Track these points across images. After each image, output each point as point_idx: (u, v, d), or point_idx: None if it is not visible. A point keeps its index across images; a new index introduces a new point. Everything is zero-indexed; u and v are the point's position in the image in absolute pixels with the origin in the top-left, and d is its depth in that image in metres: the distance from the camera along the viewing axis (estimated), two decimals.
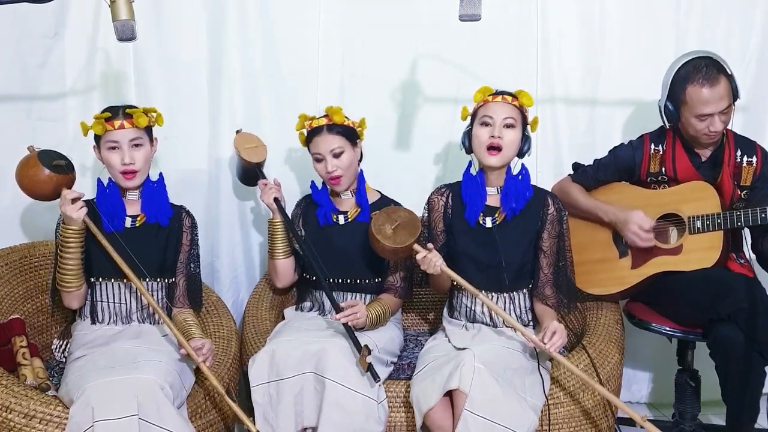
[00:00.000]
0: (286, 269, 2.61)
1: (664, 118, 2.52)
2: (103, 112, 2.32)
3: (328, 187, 2.58)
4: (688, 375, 2.55)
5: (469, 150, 2.43)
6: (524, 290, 2.46)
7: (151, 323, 2.38)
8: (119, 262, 2.25)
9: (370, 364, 2.15)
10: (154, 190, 2.43)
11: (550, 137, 2.97)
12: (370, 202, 2.57)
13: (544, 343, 2.17)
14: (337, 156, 2.47)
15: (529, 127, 2.42)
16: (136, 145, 2.32)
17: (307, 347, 2.22)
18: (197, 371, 2.29)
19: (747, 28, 2.93)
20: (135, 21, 2.09)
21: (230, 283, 3.03)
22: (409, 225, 2.34)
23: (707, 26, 2.91)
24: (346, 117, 2.50)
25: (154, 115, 2.39)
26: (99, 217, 2.34)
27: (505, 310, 2.38)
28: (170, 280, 2.46)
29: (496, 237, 2.40)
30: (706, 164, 2.54)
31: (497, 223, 2.41)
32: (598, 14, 2.92)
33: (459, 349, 2.26)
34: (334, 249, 2.53)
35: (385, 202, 2.59)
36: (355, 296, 2.54)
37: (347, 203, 2.59)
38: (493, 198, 2.44)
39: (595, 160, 2.70)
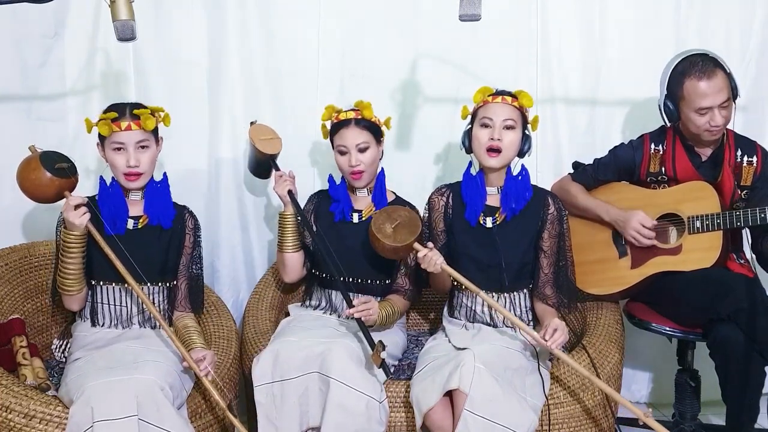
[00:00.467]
0: (294, 263, 2.59)
1: (665, 117, 2.51)
2: (108, 109, 2.28)
3: (347, 181, 2.57)
4: (688, 375, 2.55)
5: (469, 150, 2.43)
6: (524, 290, 2.46)
7: (151, 327, 2.36)
8: (121, 271, 2.22)
9: (383, 359, 2.13)
10: (157, 191, 2.39)
11: (550, 137, 2.98)
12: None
13: (546, 341, 2.17)
14: (362, 151, 2.46)
15: (529, 126, 2.42)
16: (142, 147, 2.28)
17: (312, 348, 2.21)
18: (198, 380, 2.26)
19: (747, 28, 2.93)
20: (135, 21, 2.08)
21: (230, 283, 3.03)
22: (409, 224, 2.34)
23: (707, 26, 2.92)
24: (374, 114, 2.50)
25: (162, 114, 2.35)
26: (100, 217, 2.30)
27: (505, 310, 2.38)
28: (172, 284, 2.43)
29: (497, 237, 2.40)
30: (706, 164, 2.54)
31: (497, 223, 2.41)
32: (598, 14, 2.92)
33: (459, 348, 2.26)
34: (345, 247, 2.51)
35: (399, 203, 2.57)
36: (362, 297, 2.53)
37: (363, 201, 2.58)
38: (493, 198, 2.43)
39: (595, 160, 2.69)
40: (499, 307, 2.31)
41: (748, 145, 2.52)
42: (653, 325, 2.51)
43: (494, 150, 2.34)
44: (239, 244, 3.02)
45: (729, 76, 2.41)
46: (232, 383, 2.41)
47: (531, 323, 2.46)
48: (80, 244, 2.23)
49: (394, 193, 2.64)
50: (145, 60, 2.84)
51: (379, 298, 2.53)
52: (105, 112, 2.29)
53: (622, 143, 2.68)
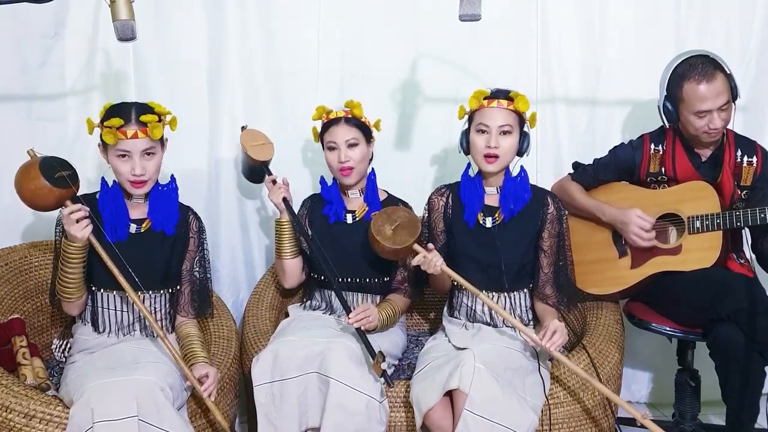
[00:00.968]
0: (293, 269, 2.59)
1: (664, 118, 2.51)
2: (112, 111, 2.21)
3: (338, 181, 2.57)
4: (688, 375, 2.55)
5: (467, 151, 2.43)
6: (524, 290, 2.46)
7: (153, 336, 2.29)
8: (123, 284, 2.16)
9: (384, 370, 2.14)
10: (162, 196, 2.33)
11: (549, 137, 2.98)
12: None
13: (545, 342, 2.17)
14: (351, 147, 2.46)
15: (527, 124, 2.41)
16: (149, 154, 2.21)
17: (312, 348, 2.21)
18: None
19: (747, 28, 2.93)
20: (135, 21, 2.08)
21: (230, 283, 3.03)
22: (409, 225, 2.34)
23: (707, 26, 2.92)
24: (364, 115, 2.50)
25: (168, 118, 2.28)
26: (100, 219, 2.25)
27: (505, 310, 2.38)
28: (175, 289, 2.39)
29: (496, 237, 2.40)
30: (706, 164, 2.54)
31: (497, 223, 2.41)
32: (598, 14, 2.92)
33: (459, 348, 2.26)
34: (341, 248, 2.51)
35: (392, 201, 2.58)
36: (362, 296, 2.54)
37: (355, 202, 2.58)
38: (492, 198, 2.43)
39: (595, 160, 2.69)
40: (499, 308, 2.30)
41: (748, 146, 2.52)
42: (653, 325, 2.51)
43: (492, 156, 2.34)
44: (239, 244, 3.02)
45: (729, 78, 2.41)
46: (232, 383, 2.41)
47: (531, 323, 2.46)
48: (81, 254, 2.19)
49: (387, 192, 2.64)
50: (145, 60, 2.83)
51: (378, 297, 2.53)
52: (108, 114, 2.22)
53: (622, 143, 2.68)
